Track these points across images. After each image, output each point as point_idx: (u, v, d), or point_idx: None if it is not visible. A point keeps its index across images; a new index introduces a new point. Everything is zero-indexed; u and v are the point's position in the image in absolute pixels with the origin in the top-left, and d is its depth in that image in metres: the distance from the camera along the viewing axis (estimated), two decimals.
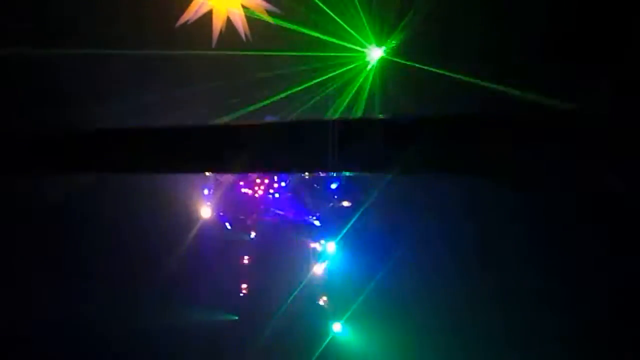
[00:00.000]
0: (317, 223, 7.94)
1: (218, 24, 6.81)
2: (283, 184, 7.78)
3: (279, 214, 7.79)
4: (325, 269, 7.93)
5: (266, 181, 7.78)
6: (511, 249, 7.96)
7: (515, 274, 8.03)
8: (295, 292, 7.85)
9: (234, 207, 7.77)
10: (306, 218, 7.87)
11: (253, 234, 7.91)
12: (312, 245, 7.92)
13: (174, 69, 7.39)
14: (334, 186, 7.97)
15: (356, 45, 7.27)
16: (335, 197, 7.98)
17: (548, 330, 7.75)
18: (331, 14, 6.91)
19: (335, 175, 7.90)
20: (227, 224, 7.92)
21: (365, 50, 7.25)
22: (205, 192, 7.92)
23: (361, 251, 8.09)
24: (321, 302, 7.97)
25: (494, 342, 7.82)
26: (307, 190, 7.91)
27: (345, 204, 8.03)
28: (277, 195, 7.80)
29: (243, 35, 6.91)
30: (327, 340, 7.78)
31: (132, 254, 8.04)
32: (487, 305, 7.94)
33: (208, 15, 6.79)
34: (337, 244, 7.91)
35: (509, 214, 7.88)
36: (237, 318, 8.05)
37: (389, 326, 7.86)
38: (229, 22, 6.81)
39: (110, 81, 7.13)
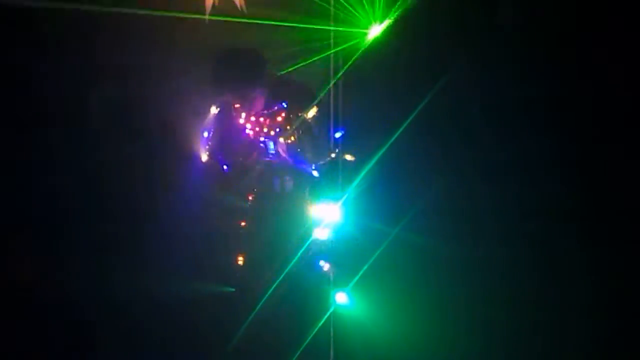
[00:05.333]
0: (315, 173, 7.17)
1: None
2: (287, 127, 7.10)
3: (277, 157, 7.18)
4: (328, 232, 7.02)
5: (267, 122, 7.13)
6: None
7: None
8: (295, 259, 6.99)
9: (232, 147, 7.26)
10: (304, 166, 7.15)
11: (251, 198, 7.33)
12: (314, 205, 7.09)
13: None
14: (338, 135, 7.02)
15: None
16: (338, 148, 7.02)
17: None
18: None
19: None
20: (224, 166, 7.34)
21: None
22: (205, 134, 7.39)
23: (369, 212, 7.08)
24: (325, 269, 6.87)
25: (520, 319, 6.82)
26: (307, 137, 7.13)
27: (349, 157, 7.08)
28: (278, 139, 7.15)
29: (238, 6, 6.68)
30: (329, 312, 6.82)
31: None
32: (515, 277, 6.97)
33: None
34: (342, 205, 6.95)
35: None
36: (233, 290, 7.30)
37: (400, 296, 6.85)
38: None
39: None
